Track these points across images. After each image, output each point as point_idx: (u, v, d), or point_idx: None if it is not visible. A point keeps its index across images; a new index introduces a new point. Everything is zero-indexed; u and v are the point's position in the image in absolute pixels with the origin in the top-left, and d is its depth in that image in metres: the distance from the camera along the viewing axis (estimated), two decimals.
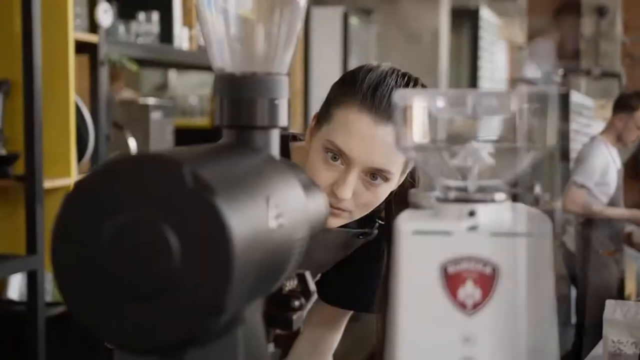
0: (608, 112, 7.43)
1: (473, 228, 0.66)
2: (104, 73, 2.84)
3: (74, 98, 2.63)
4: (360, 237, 1.47)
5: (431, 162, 0.70)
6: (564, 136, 6.81)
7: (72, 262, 0.61)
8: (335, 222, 1.32)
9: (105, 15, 2.77)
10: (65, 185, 2.62)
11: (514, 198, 0.70)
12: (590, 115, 7.37)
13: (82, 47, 2.77)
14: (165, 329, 0.59)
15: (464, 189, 0.68)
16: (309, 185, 0.82)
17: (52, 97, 2.55)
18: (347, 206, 1.30)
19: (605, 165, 4.53)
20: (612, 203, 4.52)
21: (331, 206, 1.28)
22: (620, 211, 4.65)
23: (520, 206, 0.73)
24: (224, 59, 0.77)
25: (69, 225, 0.61)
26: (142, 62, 3.43)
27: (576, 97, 7.14)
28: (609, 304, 1.97)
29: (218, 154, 0.69)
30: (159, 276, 0.59)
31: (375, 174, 1.28)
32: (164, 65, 4.29)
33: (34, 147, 2.39)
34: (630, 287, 4.91)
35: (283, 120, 0.78)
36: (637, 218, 4.69)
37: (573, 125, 6.85)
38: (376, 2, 5.91)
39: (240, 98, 0.75)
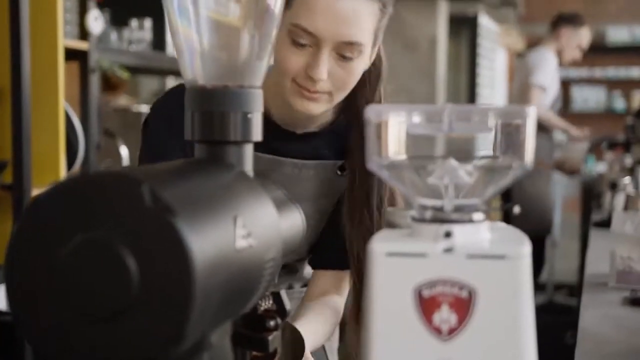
0: (510, 38, 7.43)
1: (449, 250, 0.63)
2: (94, 80, 2.81)
3: (64, 105, 2.60)
4: (339, 172, 1.44)
5: (407, 180, 0.68)
6: (472, 60, 6.88)
7: (27, 282, 0.58)
8: (316, 107, 1.30)
9: (95, 22, 2.75)
10: None
11: (506, 215, 0.67)
12: (495, 40, 7.41)
13: (73, 54, 2.74)
14: (122, 356, 0.56)
15: (440, 209, 0.66)
16: (284, 202, 0.79)
17: (41, 104, 2.52)
18: (324, 87, 1.28)
19: (554, 73, 4.56)
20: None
21: (308, 90, 1.27)
22: (561, 122, 4.72)
23: (500, 225, 0.70)
24: (195, 70, 0.74)
25: (25, 244, 0.58)
26: (134, 69, 3.40)
27: (484, 20, 7.14)
28: (617, 216, 1.83)
29: (184, 172, 0.66)
30: (116, 300, 0.56)
31: (346, 50, 1.26)
32: (156, 72, 4.26)
33: (22, 156, 2.36)
34: None
35: (257, 134, 0.75)
36: (576, 132, 4.84)
37: (479, 50, 6.93)
38: None
39: (212, 112, 0.73)
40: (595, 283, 1.85)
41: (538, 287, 5.30)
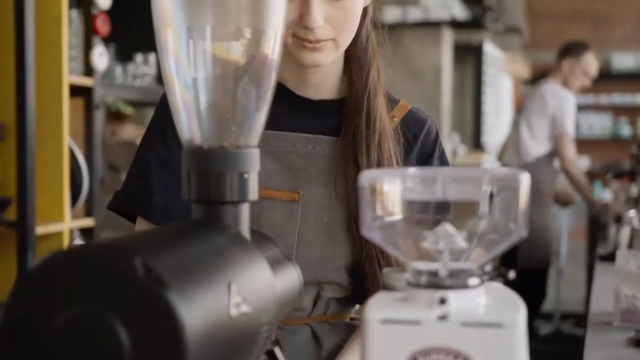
0: (515, 65, 7.40)
1: (443, 317, 0.62)
2: (99, 116, 2.82)
3: (68, 142, 2.61)
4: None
5: (401, 244, 0.67)
6: (478, 88, 6.88)
7: (20, 354, 0.58)
8: (322, 57, 1.24)
9: (100, 58, 2.76)
10: (58, 230, 2.60)
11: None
12: (499, 67, 7.42)
13: (78, 90, 2.76)
14: None
15: (435, 273, 0.65)
16: (280, 261, 0.79)
17: (45, 141, 2.53)
18: (325, 34, 1.22)
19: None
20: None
21: (310, 41, 1.21)
22: (587, 190, 4.69)
23: (496, 286, 0.70)
24: (192, 130, 0.74)
25: (18, 317, 0.58)
26: (139, 103, 3.41)
27: (489, 48, 7.15)
28: (621, 254, 1.81)
29: (178, 237, 0.66)
30: None
31: None
32: None
33: (26, 193, 2.37)
34: None
35: (253, 194, 0.75)
36: (590, 200, 4.75)
37: (484, 78, 6.94)
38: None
39: (208, 172, 0.73)
40: (599, 322, 1.84)
41: (544, 316, 5.27)
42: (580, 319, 5.03)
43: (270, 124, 1.23)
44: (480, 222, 0.67)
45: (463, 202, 0.66)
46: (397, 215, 0.67)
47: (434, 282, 0.65)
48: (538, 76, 7.86)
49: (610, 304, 1.84)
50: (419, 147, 1.36)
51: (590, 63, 4.63)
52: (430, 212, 0.67)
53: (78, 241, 2.82)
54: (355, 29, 1.26)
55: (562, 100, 4.49)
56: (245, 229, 0.75)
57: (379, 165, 1.28)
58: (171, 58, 0.74)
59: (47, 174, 2.54)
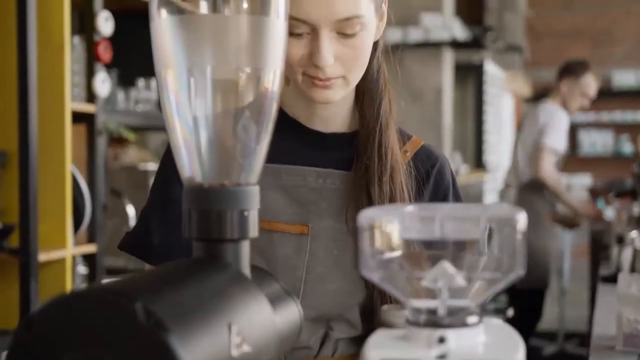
0: (516, 84, 7.40)
1: (442, 357, 0.63)
2: (101, 142, 2.84)
3: (71, 169, 2.62)
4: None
5: (399, 282, 0.68)
6: (479, 107, 6.88)
7: None
8: (333, 94, 1.23)
9: (103, 85, 2.78)
10: (60, 257, 2.60)
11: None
12: (500, 86, 7.44)
13: (80, 117, 2.77)
14: None
15: (434, 311, 0.66)
16: (280, 297, 0.79)
17: (48, 168, 2.54)
18: (335, 72, 1.20)
19: (565, 132, 4.54)
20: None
21: (320, 79, 1.21)
22: (577, 203, 4.70)
23: (495, 323, 0.70)
24: (192, 169, 0.75)
25: None
26: (141, 128, 3.42)
27: (490, 67, 7.15)
28: (623, 277, 1.80)
29: (178, 278, 0.67)
30: None
31: (346, 28, 1.18)
32: (164, 128, 4.29)
33: (29, 219, 2.37)
34: None
35: (254, 231, 0.75)
36: (586, 212, 4.75)
37: (485, 97, 6.96)
38: None
39: (209, 210, 0.73)
40: (602, 346, 1.83)
41: (548, 336, 5.26)
42: (584, 339, 5.01)
43: (281, 158, 1.24)
44: (478, 260, 0.67)
45: (461, 240, 0.67)
46: (396, 254, 0.67)
47: (433, 321, 0.65)
48: (539, 94, 7.87)
49: (613, 326, 1.84)
50: (432, 184, 1.35)
51: (589, 84, 4.63)
52: (429, 250, 0.68)
53: (81, 267, 2.83)
54: (366, 65, 1.25)
55: (552, 117, 4.50)
56: (245, 266, 0.75)
57: (391, 198, 1.27)
58: (172, 97, 0.75)
59: (49, 200, 2.54)
